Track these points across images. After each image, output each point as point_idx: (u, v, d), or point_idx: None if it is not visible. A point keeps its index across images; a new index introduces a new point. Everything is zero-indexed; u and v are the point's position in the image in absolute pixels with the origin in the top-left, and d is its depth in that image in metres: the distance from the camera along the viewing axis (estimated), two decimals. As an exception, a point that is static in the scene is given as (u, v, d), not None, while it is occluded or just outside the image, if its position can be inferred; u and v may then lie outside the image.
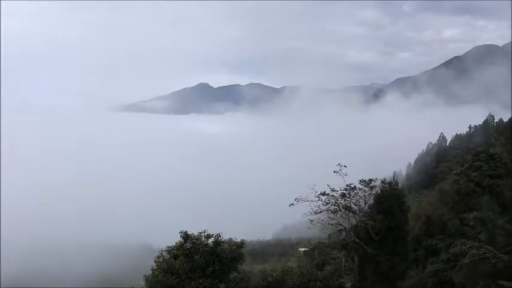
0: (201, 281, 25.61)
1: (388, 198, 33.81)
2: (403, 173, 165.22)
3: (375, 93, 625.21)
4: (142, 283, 28.31)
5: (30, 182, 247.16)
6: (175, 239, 28.17)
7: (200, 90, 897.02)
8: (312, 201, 32.13)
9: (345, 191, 33.07)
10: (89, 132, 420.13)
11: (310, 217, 32.50)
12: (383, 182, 35.33)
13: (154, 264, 27.43)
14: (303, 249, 76.93)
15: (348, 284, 33.70)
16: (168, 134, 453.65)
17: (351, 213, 33.28)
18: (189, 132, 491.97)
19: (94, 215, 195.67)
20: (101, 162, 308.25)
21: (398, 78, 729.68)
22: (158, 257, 27.49)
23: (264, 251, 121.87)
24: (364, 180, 33.76)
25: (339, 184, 32.98)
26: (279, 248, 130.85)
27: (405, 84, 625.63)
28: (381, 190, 34.31)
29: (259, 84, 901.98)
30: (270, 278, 30.38)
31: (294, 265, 33.67)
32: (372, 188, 33.62)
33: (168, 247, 27.53)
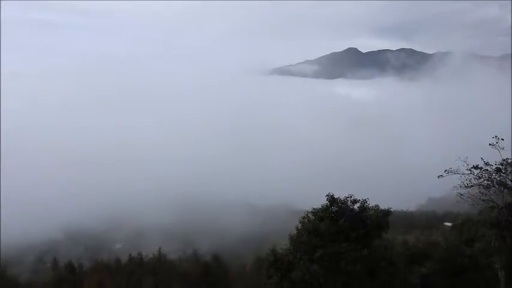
0: (344, 244, 26.01)
1: (552, 177, 31.23)
2: None
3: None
4: (286, 242, 29.41)
5: (185, 145, 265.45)
6: (317, 203, 28.67)
7: (349, 55, 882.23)
8: (463, 174, 30.63)
9: (500, 166, 31.01)
10: (237, 95, 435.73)
11: (459, 191, 31.14)
12: (547, 158, 32.61)
13: (300, 225, 28.26)
14: (448, 223, 74.11)
15: (498, 265, 32.06)
16: (315, 98, 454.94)
17: (505, 190, 31.25)
18: (335, 97, 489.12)
19: (240, 176, 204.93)
20: (248, 125, 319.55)
21: None
22: (303, 218, 28.21)
23: (407, 222, 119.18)
24: (524, 156, 31.40)
25: (494, 158, 31.06)
26: (423, 221, 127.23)
27: None
28: (544, 167, 31.71)
29: (411, 50, 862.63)
30: (413, 249, 30.08)
31: (440, 239, 32.78)
32: (532, 164, 31.16)
33: (314, 209, 28.10)
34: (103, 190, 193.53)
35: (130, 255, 79.02)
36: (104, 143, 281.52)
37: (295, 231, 28.57)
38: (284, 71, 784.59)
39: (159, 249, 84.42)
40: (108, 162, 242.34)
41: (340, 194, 28.18)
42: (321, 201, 28.28)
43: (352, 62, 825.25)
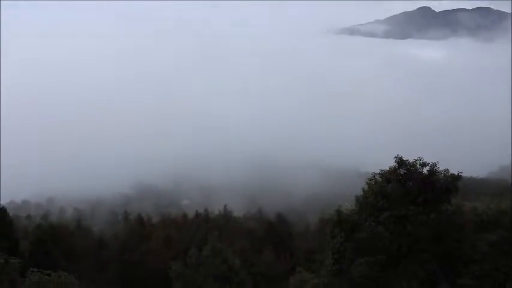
0: (411, 207, 25.60)
1: None
2: None
3: None
4: (352, 204, 29.25)
5: (258, 107, 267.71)
6: (386, 166, 28.18)
7: (421, 15, 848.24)
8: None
9: None
10: (306, 56, 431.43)
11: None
12: None
13: (366, 186, 28.06)
14: (520, 192, 71.36)
15: None
16: (384, 59, 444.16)
17: None
18: (406, 58, 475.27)
19: (311, 139, 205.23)
20: (315, 84, 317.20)
21: None
22: (370, 180, 27.90)
23: (477, 188, 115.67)
24: None
25: None
26: (493, 188, 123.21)
27: None
28: None
29: (488, 9, 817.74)
30: (483, 216, 29.33)
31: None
32: None
33: (381, 170, 27.75)
34: (174, 148, 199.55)
35: (196, 211, 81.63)
36: (180, 104, 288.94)
37: (361, 194, 28.39)
38: (353, 31, 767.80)
39: (225, 206, 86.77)
40: (181, 122, 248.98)
41: (409, 157, 27.66)
42: (389, 165, 27.86)
43: (425, 22, 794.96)
